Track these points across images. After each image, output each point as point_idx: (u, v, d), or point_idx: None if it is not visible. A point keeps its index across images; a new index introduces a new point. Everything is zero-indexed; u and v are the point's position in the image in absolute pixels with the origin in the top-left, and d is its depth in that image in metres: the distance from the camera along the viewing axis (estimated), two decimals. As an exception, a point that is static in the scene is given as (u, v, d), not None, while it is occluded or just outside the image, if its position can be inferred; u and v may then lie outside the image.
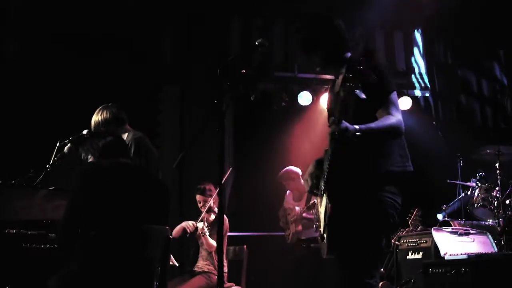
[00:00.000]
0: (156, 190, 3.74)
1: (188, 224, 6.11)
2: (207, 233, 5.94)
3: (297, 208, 7.10)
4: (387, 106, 3.19)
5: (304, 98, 8.56)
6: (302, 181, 7.36)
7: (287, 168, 7.42)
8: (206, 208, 6.16)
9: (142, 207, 3.56)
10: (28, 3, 7.12)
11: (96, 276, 3.32)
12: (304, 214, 6.98)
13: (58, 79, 7.08)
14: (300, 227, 7.06)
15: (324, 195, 3.24)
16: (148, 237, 3.53)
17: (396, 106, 3.22)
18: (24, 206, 4.23)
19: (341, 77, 3.30)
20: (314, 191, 3.41)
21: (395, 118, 3.16)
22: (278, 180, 7.47)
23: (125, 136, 4.97)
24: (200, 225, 6.04)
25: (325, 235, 3.20)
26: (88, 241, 3.35)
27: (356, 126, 3.01)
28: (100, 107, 5.11)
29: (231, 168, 6.27)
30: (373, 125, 3.11)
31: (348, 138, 2.99)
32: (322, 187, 3.27)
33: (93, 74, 7.20)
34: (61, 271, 3.36)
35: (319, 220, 3.39)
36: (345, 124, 2.96)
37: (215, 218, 6.07)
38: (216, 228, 6.00)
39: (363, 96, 3.00)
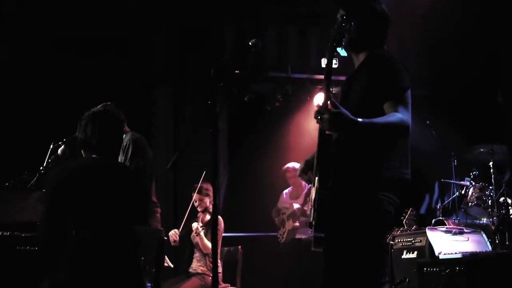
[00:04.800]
0: (131, 187, 3.57)
1: (171, 233, 6.12)
2: (202, 233, 5.93)
3: (295, 205, 7.11)
4: (396, 103, 3.01)
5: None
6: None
7: (293, 163, 7.43)
8: (202, 208, 6.15)
9: (116, 205, 3.43)
10: (21, 5, 7.10)
11: (86, 280, 3.27)
12: (305, 208, 6.97)
13: (50, 80, 7.05)
14: (297, 223, 7.06)
15: (316, 179, 3.10)
16: (137, 239, 3.45)
17: (405, 104, 3.04)
18: (18, 208, 4.21)
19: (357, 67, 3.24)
20: (308, 178, 3.33)
21: (401, 116, 2.97)
22: (282, 173, 7.50)
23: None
24: (194, 225, 6.03)
25: (313, 222, 3.06)
26: (75, 244, 3.28)
27: (359, 119, 2.85)
28: (100, 105, 5.06)
29: (205, 172, 6.18)
30: (377, 120, 2.94)
31: (338, 128, 2.88)
32: (314, 171, 3.14)
33: (86, 75, 7.18)
34: (51, 275, 3.32)
35: (311, 210, 3.22)
36: (342, 110, 2.82)
37: (210, 218, 6.06)
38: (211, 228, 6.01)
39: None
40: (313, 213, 3.09)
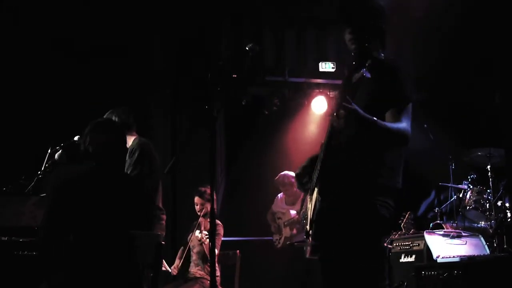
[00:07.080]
0: (130, 194, 3.61)
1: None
2: (208, 240, 5.90)
3: (292, 212, 7.10)
4: (400, 112, 3.04)
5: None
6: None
7: (284, 172, 7.42)
8: (204, 213, 6.10)
9: (115, 210, 3.46)
10: (19, 7, 7.09)
11: (84, 283, 3.27)
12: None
13: (48, 84, 7.03)
14: (295, 231, 7.06)
15: (315, 190, 3.15)
16: (135, 243, 3.46)
17: (408, 114, 3.07)
18: (16, 213, 4.20)
19: (358, 74, 3.19)
20: (304, 186, 3.33)
21: (407, 126, 3.03)
22: (275, 184, 7.48)
23: (130, 141, 4.91)
24: (198, 235, 5.96)
25: (311, 231, 3.11)
26: (73, 248, 3.29)
27: (374, 118, 2.91)
28: (110, 110, 5.03)
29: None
30: (389, 124, 2.99)
31: (354, 125, 2.91)
32: (314, 181, 3.18)
33: (83, 79, 7.17)
34: (50, 277, 3.32)
35: (306, 218, 3.28)
36: (356, 107, 2.86)
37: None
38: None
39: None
40: (311, 223, 3.10)
